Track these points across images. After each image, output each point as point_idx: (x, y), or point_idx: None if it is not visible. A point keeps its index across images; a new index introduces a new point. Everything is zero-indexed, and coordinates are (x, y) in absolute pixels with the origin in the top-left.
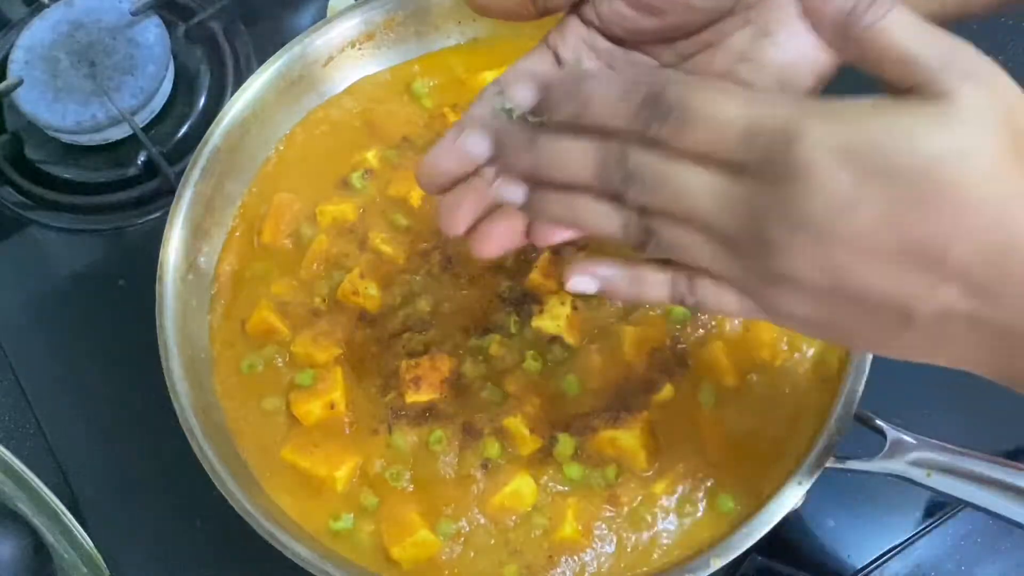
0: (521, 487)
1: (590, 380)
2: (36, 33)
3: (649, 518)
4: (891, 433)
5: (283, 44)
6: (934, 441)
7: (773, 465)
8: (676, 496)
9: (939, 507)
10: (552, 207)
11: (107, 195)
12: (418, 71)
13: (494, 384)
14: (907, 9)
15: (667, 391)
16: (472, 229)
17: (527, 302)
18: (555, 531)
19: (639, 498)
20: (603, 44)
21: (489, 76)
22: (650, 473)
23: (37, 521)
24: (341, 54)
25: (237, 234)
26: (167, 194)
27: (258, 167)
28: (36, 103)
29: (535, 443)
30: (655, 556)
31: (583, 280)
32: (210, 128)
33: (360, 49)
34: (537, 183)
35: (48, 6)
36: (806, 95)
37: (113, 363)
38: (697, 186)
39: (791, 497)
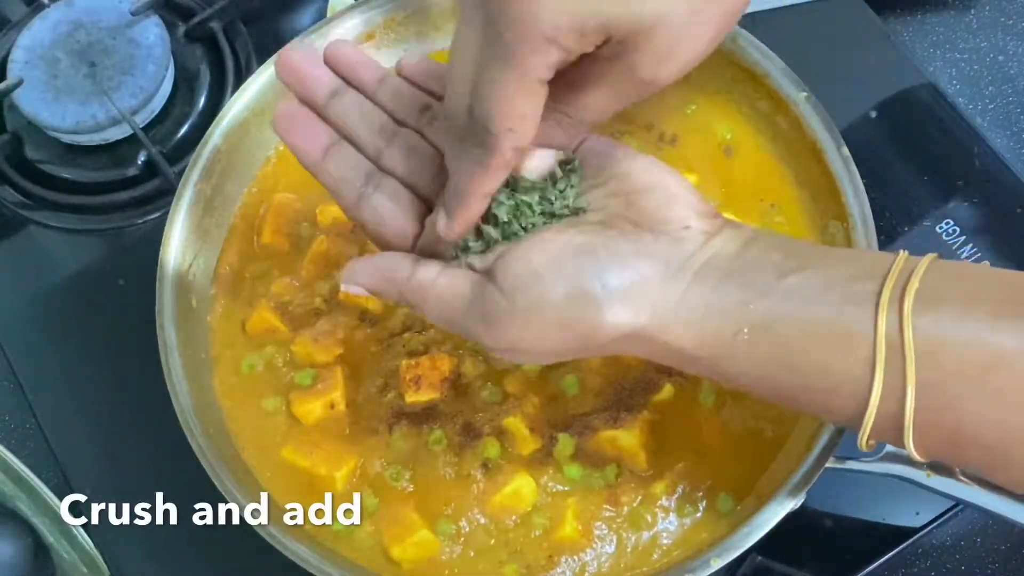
0: (521, 487)
1: (590, 380)
2: (36, 33)
3: (649, 518)
4: None
5: (283, 44)
6: None
7: (773, 465)
8: (676, 496)
9: (939, 507)
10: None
11: (107, 195)
12: None
13: (494, 384)
14: None
15: (667, 391)
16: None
17: None
18: (555, 531)
19: (639, 498)
20: None
21: None
22: (650, 473)
23: (37, 521)
24: None
25: (237, 234)
26: (167, 194)
27: (258, 167)
28: (36, 103)
29: (535, 443)
30: (655, 556)
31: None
32: (210, 128)
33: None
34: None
35: (48, 6)
36: None
37: (113, 363)
38: None
39: (791, 497)
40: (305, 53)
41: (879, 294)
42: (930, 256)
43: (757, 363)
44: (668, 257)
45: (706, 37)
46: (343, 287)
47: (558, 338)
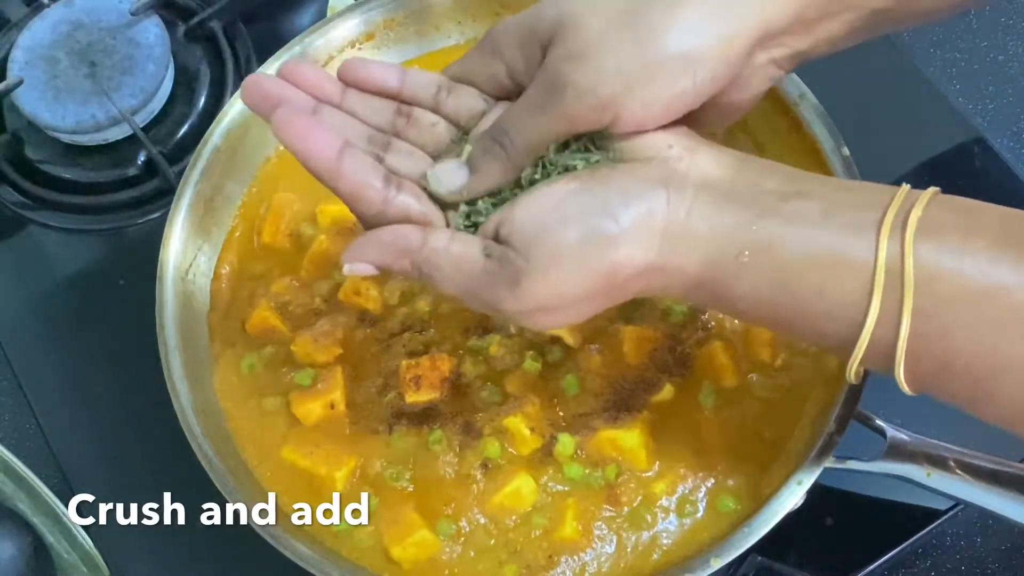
0: (521, 487)
1: (590, 380)
2: (36, 33)
3: (649, 518)
4: (891, 433)
5: (283, 44)
6: (934, 441)
7: (773, 465)
8: (676, 496)
9: (939, 507)
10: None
11: (107, 195)
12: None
13: (494, 384)
14: None
15: (667, 391)
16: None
17: None
18: (555, 531)
19: (639, 498)
20: None
21: None
22: (650, 473)
23: (37, 521)
24: (341, 54)
25: (237, 234)
26: (167, 194)
27: (258, 167)
28: (36, 103)
29: (535, 443)
30: (655, 556)
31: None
32: (210, 128)
33: (360, 49)
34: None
35: (48, 6)
36: None
37: (113, 363)
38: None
39: (791, 497)
40: (270, 78)
41: (880, 223)
42: (932, 189)
43: (756, 286)
44: (664, 178)
45: (626, 52)
46: (347, 268)
47: (581, 286)
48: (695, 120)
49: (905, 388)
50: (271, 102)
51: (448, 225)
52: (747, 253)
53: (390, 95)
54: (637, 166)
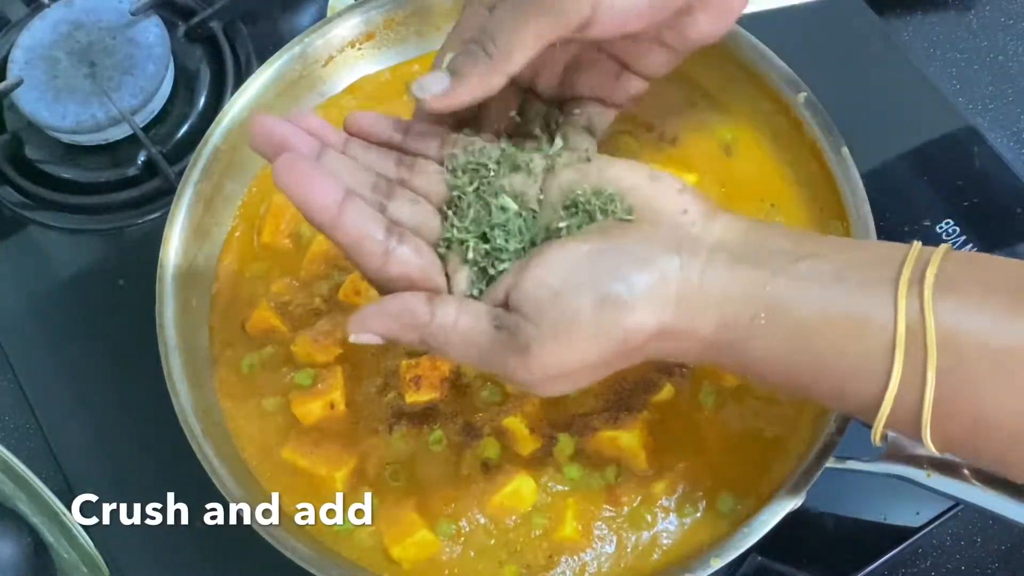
0: (521, 487)
1: None
2: (36, 33)
3: (649, 518)
4: (891, 433)
5: (283, 44)
6: None
7: (773, 465)
8: (676, 496)
9: (939, 507)
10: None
11: (107, 195)
12: (418, 71)
13: (494, 384)
14: None
15: (667, 391)
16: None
17: None
18: (555, 531)
19: (639, 498)
20: None
21: None
22: (650, 473)
23: (37, 521)
24: (341, 54)
25: (237, 234)
26: (167, 194)
27: (258, 167)
28: (36, 103)
29: (535, 443)
30: (655, 556)
31: (363, 336)
32: (210, 128)
33: (360, 49)
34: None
35: (48, 6)
36: None
37: (113, 363)
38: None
39: (791, 497)
40: (275, 119)
41: (896, 281)
42: (945, 246)
43: (773, 347)
44: (678, 242)
45: None
46: (352, 339)
47: (594, 352)
48: (695, 20)
49: (933, 449)
50: (275, 144)
51: (448, 280)
52: (763, 316)
53: (394, 146)
54: (649, 229)
